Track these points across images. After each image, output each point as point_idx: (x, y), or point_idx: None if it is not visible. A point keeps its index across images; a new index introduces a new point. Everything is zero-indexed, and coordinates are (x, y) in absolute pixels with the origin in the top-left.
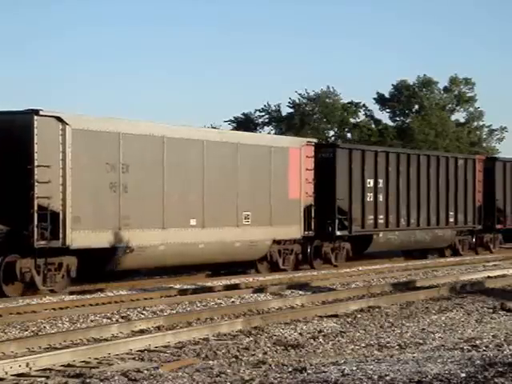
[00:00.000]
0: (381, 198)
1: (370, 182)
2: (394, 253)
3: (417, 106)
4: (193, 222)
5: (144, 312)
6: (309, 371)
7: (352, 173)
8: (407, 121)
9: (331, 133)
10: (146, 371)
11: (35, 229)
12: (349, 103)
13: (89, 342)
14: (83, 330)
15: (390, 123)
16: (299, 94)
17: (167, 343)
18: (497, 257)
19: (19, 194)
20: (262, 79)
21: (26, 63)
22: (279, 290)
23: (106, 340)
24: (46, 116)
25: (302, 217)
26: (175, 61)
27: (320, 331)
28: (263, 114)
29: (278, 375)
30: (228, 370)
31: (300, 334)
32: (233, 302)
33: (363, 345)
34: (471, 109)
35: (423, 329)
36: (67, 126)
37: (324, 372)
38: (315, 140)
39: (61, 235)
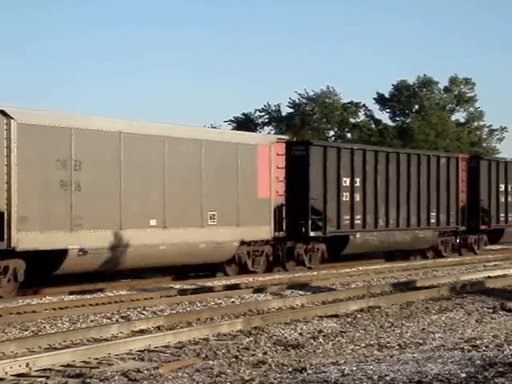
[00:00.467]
0: (358, 197)
1: (347, 181)
2: (374, 254)
3: (417, 106)
4: (153, 222)
5: (144, 312)
6: (309, 371)
7: (327, 171)
8: (407, 121)
9: (331, 133)
10: (146, 371)
11: None
12: (349, 103)
13: (89, 342)
14: (83, 330)
15: (390, 123)
16: (299, 94)
17: (167, 343)
18: (497, 257)
19: None
20: (262, 79)
21: (26, 63)
22: (279, 290)
23: (106, 340)
24: None
25: (273, 217)
26: (175, 61)
27: (320, 331)
28: (263, 113)
29: (278, 375)
30: (228, 370)
31: (300, 334)
32: (233, 302)
33: (363, 345)
34: (471, 109)
35: (423, 329)
36: (12, 121)
37: (324, 372)
38: (286, 137)
39: (5, 236)
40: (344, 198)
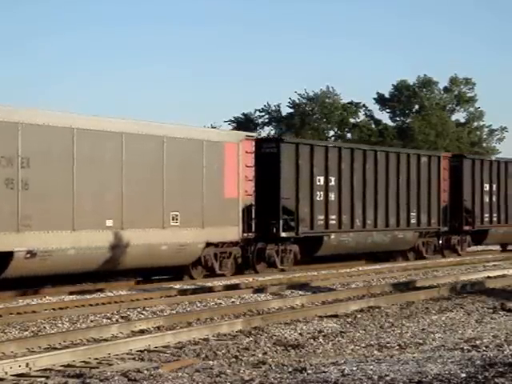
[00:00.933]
0: (332, 196)
1: (321, 180)
2: (354, 256)
3: (417, 106)
4: (109, 223)
5: (144, 312)
6: (309, 371)
7: (299, 170)
8: (407, 121)
9: (331, 133)
10: (145, 371)
11: None
12: (349, 103)
13: (89, 342)
14: (83, 330)
15: (390, 123)
16: (299, 94)
17: (167, 343)
18: (497, 257)
19: None
20: (262, 79)
21: (25, 61)
22: (279, 290)
23: (106, 340)
24: None
25: (241, 217)
26: (175, 61)
27: (320, 331)
28: (263, 114)
29: (278, 375)
30: (228, 370)
31: (300, 334)
32: (233, 302)
33: (363, 345)
34: (471, 109)
35: (423, 329)
36: None
37: (324, 372)
38: (255, 134)
39: None
40: (318, 198)
